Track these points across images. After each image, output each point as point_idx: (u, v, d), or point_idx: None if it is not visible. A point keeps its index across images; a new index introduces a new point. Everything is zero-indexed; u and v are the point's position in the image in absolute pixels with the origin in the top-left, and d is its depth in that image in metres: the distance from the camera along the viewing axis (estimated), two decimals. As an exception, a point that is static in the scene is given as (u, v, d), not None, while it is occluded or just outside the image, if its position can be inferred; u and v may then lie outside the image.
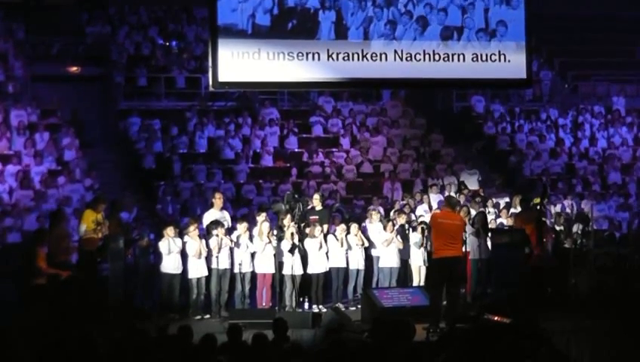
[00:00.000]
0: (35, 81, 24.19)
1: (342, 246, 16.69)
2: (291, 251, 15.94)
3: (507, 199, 19.93)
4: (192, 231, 15.95)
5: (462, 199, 19.22)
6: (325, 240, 16.60)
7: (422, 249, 17.00)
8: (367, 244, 17.02)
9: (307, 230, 16.46)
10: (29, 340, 9.63)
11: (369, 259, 17.19)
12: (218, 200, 16.71)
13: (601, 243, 18.09)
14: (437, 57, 16.68)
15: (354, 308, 16.29)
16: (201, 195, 20.76)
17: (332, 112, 25.00)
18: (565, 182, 23.52)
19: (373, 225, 17.62)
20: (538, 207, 16.99)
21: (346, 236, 16.79)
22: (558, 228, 18.51)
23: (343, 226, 16.91)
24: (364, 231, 17.49)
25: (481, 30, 16.94)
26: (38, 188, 20.34)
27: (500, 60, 16.92)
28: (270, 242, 15.87)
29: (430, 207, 19.10)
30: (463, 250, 17.16)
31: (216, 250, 15.82)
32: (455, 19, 16.90)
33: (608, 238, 19.15)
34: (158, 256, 16.00)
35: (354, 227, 17.00)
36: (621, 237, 20.25)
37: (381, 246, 17.10)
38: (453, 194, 19.00)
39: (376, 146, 24.00)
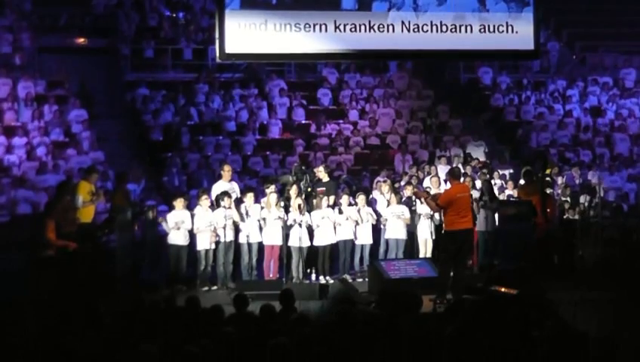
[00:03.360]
0: (41, 52, 24.15)
1: (347, 219, 16.66)
2: (299, 224, 15.97)
3: (511, 170, 19.88)
4: (204, 200, 15.98)
5: (468, 170, 19.21)
6: (333, 212, 16.60)
7: (429, 221, 16.97)
8: (374, 219, 16.99)
9: (314, 202, 16.47)
10: (38, 311, 9.69)
11: (376, 231, 17.19)
12: (227, 172, 16.76)
13: (608, 215, 18.05)
14: (444, 28, 16.52)
15: (361, 280, 16.31)
16: (209, 167, 20.77)
17: (337, 84, 24.95)
18: (573, 154, 23.47)
19: (382, 196, 17.61)
20: (542, 179, 16.98)
21: (349, 205, 16.76)
22: (564, 199, 18.49)
23: (346, 198, 16.91)
24: (371, 203, 17.49)
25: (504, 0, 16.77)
26: (45, 160, 20.37)
27: (507, 31, 16.77)
28: (279, 216, 15.89)
29: (438, 179, 19.04)
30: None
31: (223, 222, 15.83)
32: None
33: (616, 210, 19.11)
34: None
35: (361, 199, 17.00)
36: (629, 208, 20.24)
37: (390, 218, 17.06)
38: (457, 165, 18.87)
39: (383, 118, 23.95)
